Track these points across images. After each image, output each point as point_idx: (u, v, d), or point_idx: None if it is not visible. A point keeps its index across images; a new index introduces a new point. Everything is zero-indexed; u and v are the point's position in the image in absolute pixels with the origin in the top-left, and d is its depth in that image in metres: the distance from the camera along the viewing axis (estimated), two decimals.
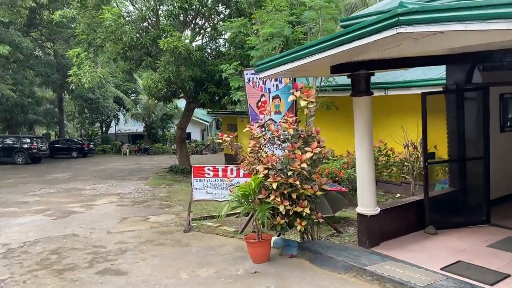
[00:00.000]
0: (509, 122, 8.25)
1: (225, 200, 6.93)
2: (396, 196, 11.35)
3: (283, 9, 11.38)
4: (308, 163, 5.35)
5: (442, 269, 5.54)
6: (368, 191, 6.34)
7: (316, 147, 5.27)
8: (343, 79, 10.93)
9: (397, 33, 4.15)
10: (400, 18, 4.06)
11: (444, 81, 8.60)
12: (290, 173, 5.26)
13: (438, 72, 9.81)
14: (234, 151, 6.04)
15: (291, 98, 5.44)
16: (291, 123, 5.35)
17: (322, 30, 9.85)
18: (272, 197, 5.37)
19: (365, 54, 5.34)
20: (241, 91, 10.60)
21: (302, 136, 5.45)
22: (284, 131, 5.41)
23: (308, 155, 5.23)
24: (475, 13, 3.48)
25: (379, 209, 6.42)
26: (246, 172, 6.63)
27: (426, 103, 6.76)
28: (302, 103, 5.31)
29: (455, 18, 3.64)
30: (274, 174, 5.36)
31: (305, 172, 5.34)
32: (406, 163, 10.31)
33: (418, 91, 9.70)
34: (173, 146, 31.95)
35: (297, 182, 5.27)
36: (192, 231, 8.14)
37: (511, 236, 6.50)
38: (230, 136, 6.06)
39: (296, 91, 5.42)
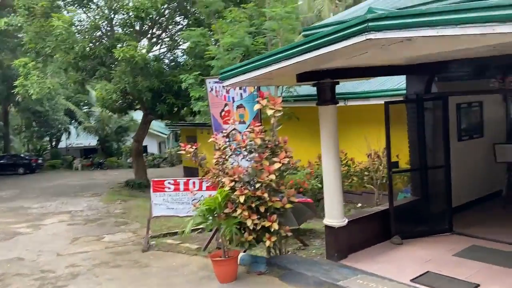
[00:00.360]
0: (465, 131, 8.46)
1: (187, 216, 6.57)
2: (358, 206, 11.38)
3: (242, 20, 11.24)
4: (277, 174, 5.13)
5: (412, 280, 5.45)
6: (336, 202, 6.20)
7: (285, 157, 5.07)
8: (304, 90, 10.90)
9: (367, 39, 4.04)
10: (370, 24, 3.95)
11: (401, 92, 8.75)
12: (258, 185, 5.01)
13: (396, 83, 9.98)
14: (197, 163, 5.72)
15: (257, 107, 5.23)
16: (258, 132, 5.12)
17: (283, 40, 9.78)
18: (239, 211, 5.09)
19: (332, 62, 5.23)
20: (202, 101, 10.30)
21: (269, 146, 5.24)
22: (250, 141, 5.17)
23: (277, 165, 5.01)
24: (447, 18, 3.42)
25: (346, 220, 6.29)
26: (209, 185, 6.31)
27: (389, 112, 6.76)
28: (269, 112, 5.10)
29: (427, 23, 3.56)
30: (241, 186, 5.09)
31: (274, 184, 5.11)
32: (366, 173, 10.37)
33: (377, 101, 9.84)
34: (129, 160, 30.88)
35: (266, 195, 5.03)
36: (151, 250, 7.66)
37: (475, 244, 6.55)
38: (194, 146, 5.74)
39: (262, 99, 5.22)
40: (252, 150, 5.18)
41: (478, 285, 5.19)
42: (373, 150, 7.77)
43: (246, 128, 6.73)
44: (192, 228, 7.05)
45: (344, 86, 10.99)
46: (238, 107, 7.10)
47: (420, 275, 5.58)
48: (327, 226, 6.30)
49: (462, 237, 6.94)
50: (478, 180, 8.69)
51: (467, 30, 3.34)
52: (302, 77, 5.83)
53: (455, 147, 7.70)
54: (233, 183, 5.17)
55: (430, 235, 7.05)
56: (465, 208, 8.01)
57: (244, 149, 5.28)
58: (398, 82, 9.58)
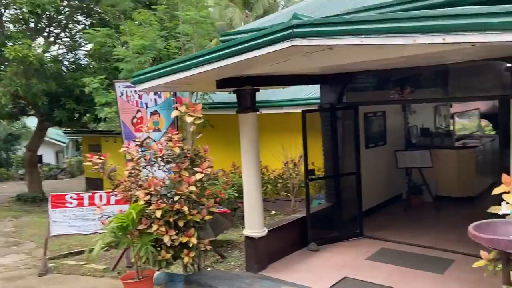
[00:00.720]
0: (371, 139, 8.93)
1: (94, 233, 5.92)
2: (272, 213, 11.43)
3: (152, 23, 10.71)
4: (198, 186, 4.81)
5: (331, 287, 5.50)
6: (256, 212, 6.05)
7: (207, 167, 4.78)
8: (219, 97, 10.70)
9: (292, 45, 3.95)
10: (295, 30, 3.87)
11: (313, 101, 8.98)
12: (176, 198, 4.64)
13: (308, 92, 10.24)
14: (106, 175, 5.16)
15: (174, 113, 4.87)
16: (176, 141, 4.76)
17: (197, 46, 9.48)
18: (155, 227, 4.67)
19: (253, 68, 5.08)
20: (109, 107, 9.53)
21: (188, 155, 4.90)
22: (168, 150, 4.79)
23: (198, 176, 4.70)
24: (371, 27, 3.45)
25: (266, 230, 6.18)
26: (120, 199, 5.75)
27: (306, 121, 6.83)
28: (188, 119, 4.78)
29: (352, 31, 3.57)
30: (158, 200, 4.68)
31: (194, 195, 4.78)
32: (280, 180, 10.46)
33: (290, 110, 10.01)
34: (20, 171, 27.81)
35: (185, 208, 4.68)
36: (50, 274, 6.78)
37: (384, 247, 6.87)
38: (102, 157, 5.17)
39: (181, 105, 4.88)
40: (170, 160, 4.80)
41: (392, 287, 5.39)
42: (290, 158, 7.83)
43: (162, 137, 6.32)
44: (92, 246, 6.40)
45: (257, 95, 11.00)
46: (152, 113, 6.64)
47: (338, 281, 5.66)
48: (247, 237, 6.12)
49: (372, 240, 7.24)
50: (382, 185, 9.24)
51: (391, 40, 3.39)
52: (222, 84, 5.61)
53: (363, 154, 8.07)
54: (148, 197, 4.73)
55: (343, 240, 7.25)
56: (372, 212, 8.43)
57: (160, 159, 4.87)
58: (310, 92, 9.83)
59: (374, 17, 3.45)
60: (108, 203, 6.64)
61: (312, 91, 9.71)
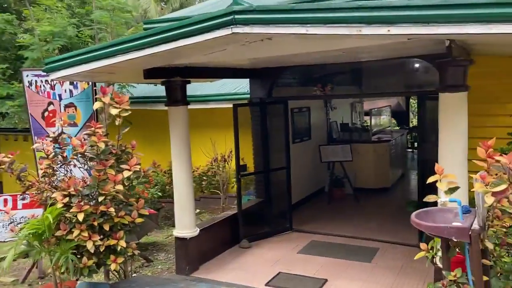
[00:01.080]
0: (298, 134, 9.03)
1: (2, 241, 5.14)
2: (196, 212, 11.09)
3: (59, 10, 9.73)
4: (126, 184, 4.36)
5: (267, 284, 5.40)
6: (188, 211, 5.74)
7: (136, 164, 4.35)
8: (139, 91, 10.06)
9: (232, 33, 3.73)
10: (237, 16, 3.66)
11: (239, 96, 8.83)
12: (101, 198, 4.16)
13: (234, 87, 10.04)
14: (16, 175, 4.47)
15: (97, 105, 4.36)
16: (101, 135, 4.26)
17: (114, 35, 8.79)
18: (76, 232, 4.14)
19: (185, 57, 4.76)
20: (12, 100, 8.44)
21: (114, 151, 4.43)
22: (92, 145, 4.27)
23: (126, 174, 4.25)
24: (317, 16, 3.36)
25: (198, 230, 5.89)
26: (27, 202, 5.08)
27: (237, 115, 6.65)
28: (113, 111, 4.30)
29: (297, 20, 3.45)
30: (79, 201, 4.15)
31: (121, 195, 4.33)
32: (205, 178, 10.17)
33: (216, 105, 9.73)
34: None
35: (112, 209, 4.22)
36: None
37: (313, 239, 6.95)
38: (10, 156, 4.47)
39: (104, 96, 4.38)
40: (93, 156, 4.29)
41: (326, 279, 5.44)
42: (220, 154, 7.59)
43: (79, 132, 5.71)
44: (2, 256, 5.60)
45: None
46: (67, 106, 5.96)
47: (273, 278, 5.58)
48: (178, 238, 5.78)
49: (301, 233, 7.30)
50: (308, 179, 9.41)
51: (336, 30, 3.33)
52: (151, 74, 5.19)
53: (291, 149, 8.11)
54: (67, 199, 4.18)
55: (274, 235, 7.21)
56: (298, 206, 8.54)
57: (81, 155, 4.33)
58: (236, 87, 9.65)
59: (320, 6, 3.37)
60: (15, 207, 5.84)
61: (238, 86, 9.55)
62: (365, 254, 6.25)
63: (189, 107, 10.13)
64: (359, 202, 9.28)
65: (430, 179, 3.39)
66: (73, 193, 4.15)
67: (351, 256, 6.18)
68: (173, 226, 6.27)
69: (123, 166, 4.37)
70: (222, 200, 7.66)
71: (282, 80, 7.45)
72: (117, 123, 4.41)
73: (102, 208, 4.21)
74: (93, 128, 4.28)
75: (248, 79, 7.60)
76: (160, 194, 8.38)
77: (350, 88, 7.16)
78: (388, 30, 3.13)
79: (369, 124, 11.26)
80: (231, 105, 8.08)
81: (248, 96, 8.31)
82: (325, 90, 7.34)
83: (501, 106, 5.63)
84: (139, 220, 4.50)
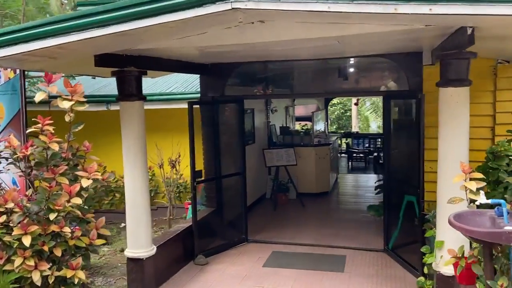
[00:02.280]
0: (247, 136, 8.47)
1: None
2: (121, 226, 9.92)
3: None
4: (85, 196, 3.41)
5: None
6: (144, 226, 4.85)
7: (96, 171, 3.43)
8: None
9: (232, 8, 3.09)
10: None
11: (178, 96, 8.01)
12: (53, 215, 3.18)
13: (167, 87, 9.14)
14: None
15: (40, 96, 3.36)
16: (52, 134, 3.27)
17: (27, 16, 7.43)
18: (18, 260, 3.10)
19: (156, 40, 3.96)
20: None
21: (64, 155, 3.46)
22: (40, 147, 3.25)
23: (85, 183, 3.31)
24: None
25: (155, 248, 5.01)
26: None
27: (193, 114, 5.91)
28: (65, 104, 3.35)
29: None
30: (23, 220, 3.12)
31: (78, 211, 3.37)
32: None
33: (153, 106, 8.74)
34: None
35: (67, 229, 3.25)
36: None
37: (274, 250, 6.43)
38: None
39: (50, 84, 3.40)
40: (41, 161, 3.28)
41: None
42: (168, 158, 6.72)
43: (2, 132, 4.55)
44: None
45: (107, 88, 9.38)
46: None
47: None
48: (131, 260, 4.84)
49: (258, 244, 6.74)
50: (253, 185, 8.89)
51: (365, 7, 2.88)
52: (103, 61, 4.26)
53: None
54: (4, 217, 3.13)
55: (230, 248, 6.55)
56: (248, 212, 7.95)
57: (23, 160, 3.30)
58: (169, 86, 8.77)
59: None
60: None
61: (172, 85, 8.70)
62: (335, 262, 5.89)
63: (114, 107, 9.00)
64: (305, 207, 9.00)
65: (456, 179, 3.09)
66: (16, 210, 3.11)
67: (321, 265, 5.77)
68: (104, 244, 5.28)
69: (79, 173, 3.43)
70: (170, 211, 6.78)
71: (236, 78, 6.87)
72: (67, 119, 3.46)
73: (54, 228, 3.23)
74: (39, 125, 3.29)
75: (189, 77, 6.89)
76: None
77: (313, 87, 6.82)
78: (430, 9, 2.75)
79: (310, 127, 11.14)
80: (180, 106, 7.34)
81: (193, 96, 7.59)
82: (264, 90, 6.96)
83: (473, 106, 5.67)
84: (99, 241, 3.57)
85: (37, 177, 3.32)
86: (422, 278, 4.92)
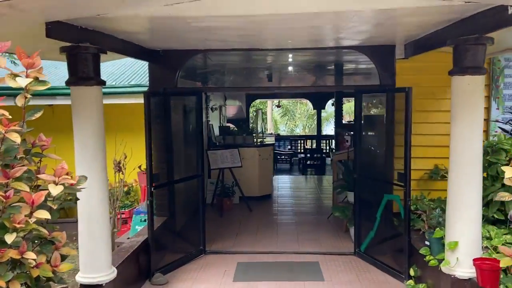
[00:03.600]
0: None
1: None
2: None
3: None
4: (55, 208, 2.43)
5: None
6: (104, 244, 3.86)
7: (66, 173, 2.47)
8: None
9: None
10: None
11: (133, 89, 6.96)
12: (11, 237, 2.19)
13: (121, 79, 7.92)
14: None
15: None
16: (9, 122, 2.25)
17: None
18: None
19: (139, 6, 3.09)
20: None
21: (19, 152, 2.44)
22: None
23: (54, 190, 2.35)
24: None
25: (115, 270, 4.04)
26: None
27: (150, 106, 5.00)
28: (21, 82, 2.36)
29: None
30: None
31: (44, 229, 2.39)
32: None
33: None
34: None
35: (31, 255, 2.27)
36: None
37: (239, 261, 5.74)
38: None
39: None
40: None
41: None
42: (115, 160, 5.61)
43: None
44: None
45: (52, 80, 7.75)
46: None
47: None
48: (86, 286, 3.82)
49: (218, 256, 6.02)
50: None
51: None
52: (56, 31, 3.25)
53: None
54: None
55: (188, 262, 5.72)
56: None
57: None
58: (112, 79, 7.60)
59: None
60: None
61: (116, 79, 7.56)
62: (310, 270, 5.41)
63: (57, 102, 7.51)
64: (251, 212, 8.45)
65: (508, 173, 2.78)
66: None
67: (298, 275, 5.24)
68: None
69: (43, 176, 2.47)
70: (113, 222, 5.69)
71: (193, 67, 6.08)
72: (20, 103, 2.47)
73: (12, 254, 2.25)
74: None
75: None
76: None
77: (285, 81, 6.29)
78: None
79: (254, 127, 10.61)
80: (122, 101, 6.38)
81: (136, 90, 6.63)
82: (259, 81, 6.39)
83: (437, 102, 5.63)
84: (65, 267, 2.61)
85: None
86: (411, 282, 4.68)
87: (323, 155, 14.69)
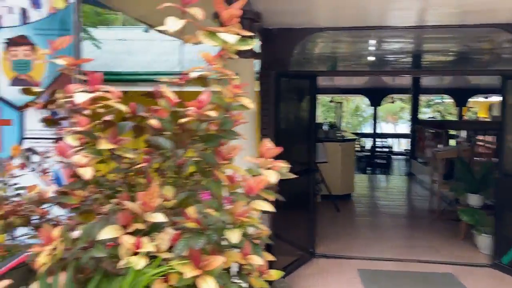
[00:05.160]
0: None
1: None
2: None
3: None
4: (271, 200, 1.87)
5: None
6: None
7: None
8: None
9: None
10: None
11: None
12: (236, 236, 1.64)
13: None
14: None
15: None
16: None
17: None
18: None
19: None
20: None
21: None
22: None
23: (273, 176, 1.80)
24: None
25: None
26: None
27: (280, 84, 4.40)
28: (227, 39, 1.76)
29: None
30: None
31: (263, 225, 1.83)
32: None
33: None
34: None
35: (256, 259, 1.72)
36: None
37: (359, 268, 5.09)
38: None
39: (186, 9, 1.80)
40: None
41: None
42: None
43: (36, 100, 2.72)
44: None
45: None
46: (13, 43, 2.88)
47: None
48: None
49: (331, 260, 5.43)
50: None
51: None
52: None
53: None
54: None
55: (301, 266, 5.13)
56: None
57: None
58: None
59: None
60: None
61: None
62: (451, 283, 4.69)
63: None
64: (339, 212, 7.79)
65: None
66: None
67: None
68: None
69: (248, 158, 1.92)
70: None
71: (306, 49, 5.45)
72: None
73: (237, 258, 1.70)
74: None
75: None
76: None
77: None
78: None
79: (334, 119, 9.88)
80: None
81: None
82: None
83: None
84: (275, 274, 2.04)
85: None
86: None
87: (389, 154, 14.05)
